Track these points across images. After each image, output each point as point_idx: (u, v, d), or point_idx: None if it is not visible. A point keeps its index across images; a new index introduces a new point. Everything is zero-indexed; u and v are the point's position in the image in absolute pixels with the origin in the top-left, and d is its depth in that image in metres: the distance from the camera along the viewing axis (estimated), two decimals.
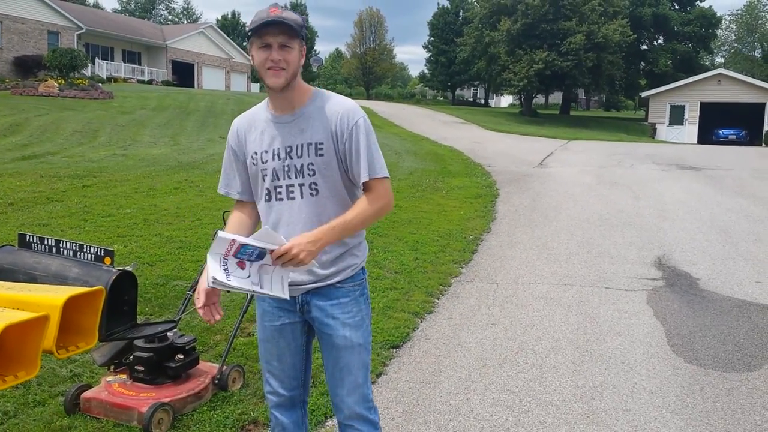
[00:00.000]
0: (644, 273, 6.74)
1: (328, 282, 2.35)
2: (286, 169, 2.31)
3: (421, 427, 3.49)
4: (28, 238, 2.43)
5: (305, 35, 2.31)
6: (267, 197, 2.36)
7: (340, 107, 2.31)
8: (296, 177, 2.31)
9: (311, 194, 2.31)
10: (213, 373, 3.67)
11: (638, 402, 3.80)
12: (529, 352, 4.58)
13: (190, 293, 4.12)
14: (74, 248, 2.35)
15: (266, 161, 2.33)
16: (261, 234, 2.10)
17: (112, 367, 3.58)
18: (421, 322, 5.19)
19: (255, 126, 2.39)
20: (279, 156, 2.32)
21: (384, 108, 36.32)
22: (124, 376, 3.50)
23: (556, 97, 56.21)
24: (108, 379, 3.50)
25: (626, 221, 9.48)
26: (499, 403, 3.78)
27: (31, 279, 2.31)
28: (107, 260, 2.32)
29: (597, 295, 5.94)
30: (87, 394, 3.36)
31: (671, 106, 35.57)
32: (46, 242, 2.39)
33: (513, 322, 5.22)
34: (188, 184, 10.93)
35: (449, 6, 60.08)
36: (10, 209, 8.43)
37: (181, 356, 3.51)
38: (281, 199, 2.34)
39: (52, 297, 2.03)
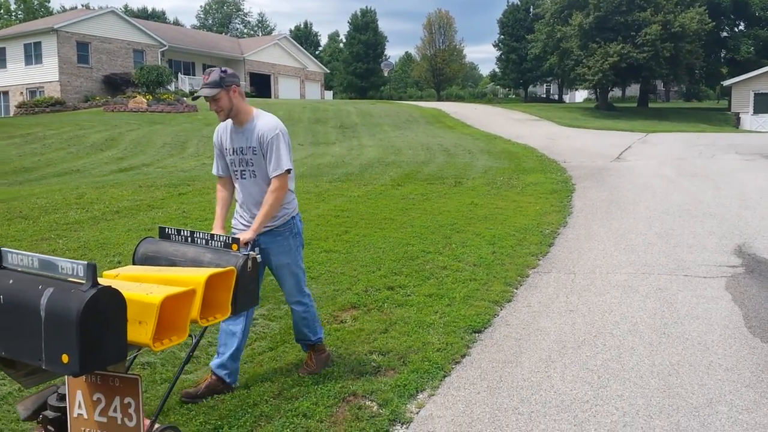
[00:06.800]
0: (723, 261, 6.78)
1: (268, 228, 3.84)
2: (239, 160, 3.87)
3: (505, 400, 3.79)
4: (167, 230, 2.89)
5: (229, 81, 3.72)
6: (234, 176, 3.95)
7: (266, 125, 3.79)
8: (245, 165, 3.86)
9: (253, 177, 3.86)
10: None
11: (714, 378, 3.98)
12: (607, 335, 4.80)
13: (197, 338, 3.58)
14: (206, 237, 2.79)
15: (231, 155, 3.90)
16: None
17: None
18: (501, 309, 5.47)
19: (226, 132, 3.92)
20: (236, 152, 3.87)
21: (455, 109, 36.49)
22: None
23: (634, 90, 54.80)
24: None
25: (706, 211, 9.42)
26: (578, 380, 4.04)
27: (172, 264, 2.75)
28: (234, 247, 2.74)
29: (675, 283, 6.06)
30: None
31: (755, 94, 34.21)
32: (182, 233, 2.84)
33: (591, 308, 5.43)
34: None
35: (519, 3, 59.58)
36: (117, 216, 9.21)
37: None
38: (244, 178, 3.89)
39: (197, 275, 2.47)
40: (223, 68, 3.80)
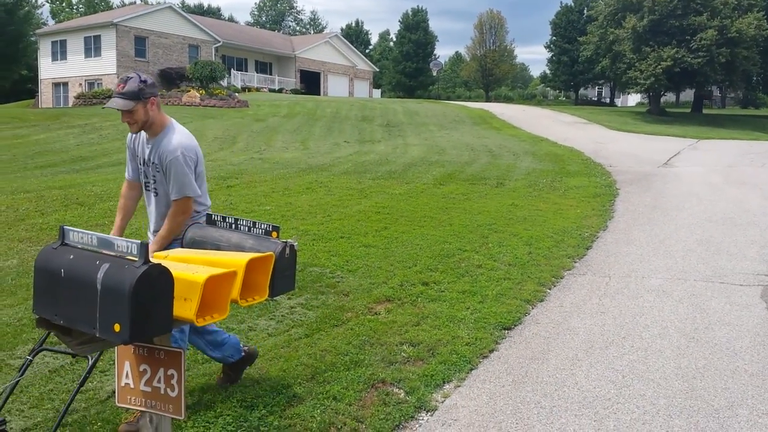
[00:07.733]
0: (762, 270, 6.73)
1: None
2: (145, 172, 3.64)
3: (528, 394, 3.92)
4: (213, 217, 3.12)
5: (148, 93, 3.38)
6: (144, 187, 3.72)
7: (168, 145, 3.46)
8: (152, 180, 3.62)
9: (155, 194, 3.64)
10: None
11: (738, 382, 4.03)
12: (635, 338, 4.87)
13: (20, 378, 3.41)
14: (249, 225, 2.99)
15: (140, 164, 3.66)
16: None
17: None
18: (533, 308, 5.58)
19: (141, 140, 3.63)
20: (146, 164, 3.61)
21: (503, 110, 36.32)
22: None
23: (689, 95, 53.54)
24: None
25: (751, 221, 9.30)
26: (602, 379, 4.14)
27: (217, 248, 2.96)
28: (274, 234, 2.94)
29: (710, 289, 6.06)
30: None
31: None
32: (227, 220, 3.06)
33: (622, 311, 5.49)
34: (318, 185, 11.80)
35: (572, 4, 58.84)
36: None
37: None
38: (149, 191, 3.68)
39: (238, 259, 2.68)
40: (142, 77, 3.42)
